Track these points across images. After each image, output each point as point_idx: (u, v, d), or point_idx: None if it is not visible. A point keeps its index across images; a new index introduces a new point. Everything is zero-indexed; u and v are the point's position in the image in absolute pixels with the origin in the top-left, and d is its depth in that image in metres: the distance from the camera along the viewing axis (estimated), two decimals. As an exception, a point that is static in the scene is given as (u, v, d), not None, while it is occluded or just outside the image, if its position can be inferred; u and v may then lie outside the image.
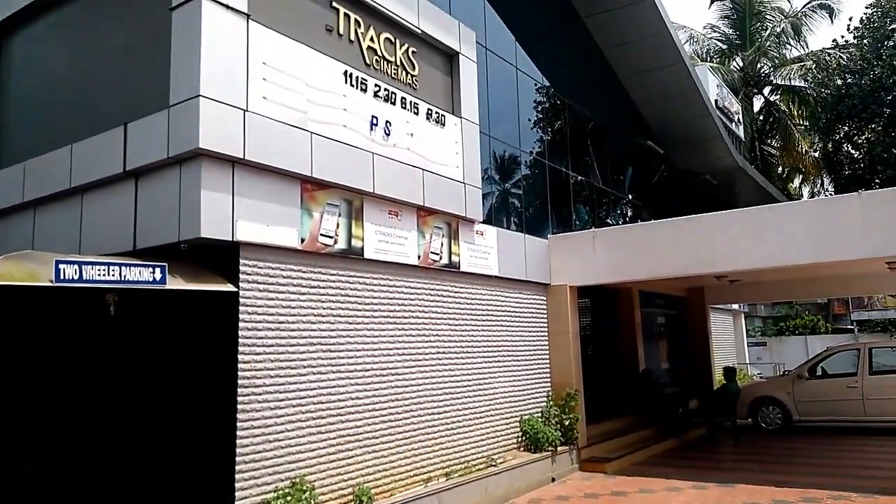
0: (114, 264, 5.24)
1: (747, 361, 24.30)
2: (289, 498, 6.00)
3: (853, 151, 23.71)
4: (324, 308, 6.90)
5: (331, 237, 7.00)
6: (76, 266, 5.04)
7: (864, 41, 22.27)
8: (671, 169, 18.17)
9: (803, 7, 30.35)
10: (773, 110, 30.67)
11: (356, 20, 7.67)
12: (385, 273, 7.79)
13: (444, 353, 8.58)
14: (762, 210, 10.00)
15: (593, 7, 13.62)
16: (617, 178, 15.87)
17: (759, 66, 30.12)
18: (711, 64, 27.72)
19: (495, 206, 10.90)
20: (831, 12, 29.67)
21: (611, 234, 11.16)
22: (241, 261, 6.09)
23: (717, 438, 13.40)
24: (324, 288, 6.94)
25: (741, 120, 22.87)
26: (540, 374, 10.65)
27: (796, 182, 34.14)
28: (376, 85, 7.73)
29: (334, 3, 7.43)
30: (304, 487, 6.21)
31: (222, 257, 6.05)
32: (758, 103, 31.18)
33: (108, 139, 6.43)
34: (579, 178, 13.61)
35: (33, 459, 6.36)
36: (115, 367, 6.56)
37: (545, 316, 11.03)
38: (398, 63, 8.23)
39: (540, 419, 10.15)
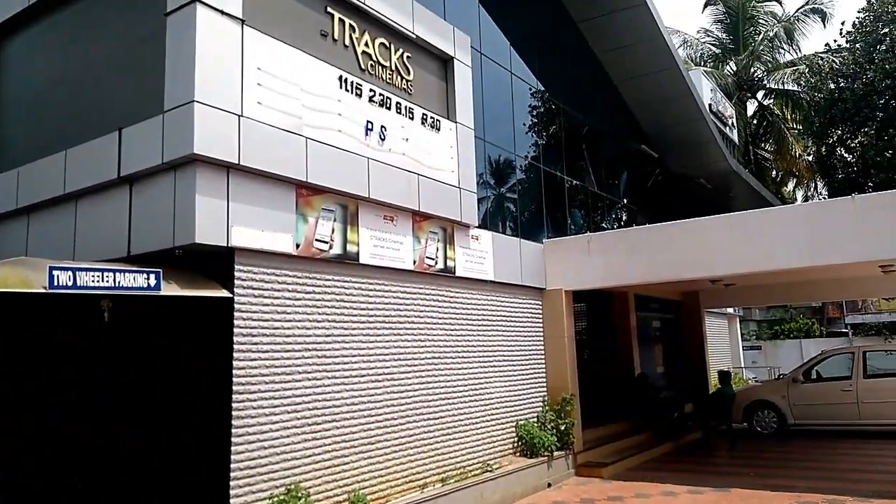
0: (108, 270, 5.24)
1: (742, 365, 24.34)
2: (284, 504, 5.97)
3: (846, 155, 23.80)
4: (319, 314, 6.89)
5: (326, 242, 6.98)
6: (70, 272, 5.03)
7: (857, 45, 22.37)
8: (666, 173, 18.24)
9: (796, 11, 30.61)
10: (767, 114, 30.84)
11: (351, 25, 7.67)
12: (380, 278, 7.78)
13: (439, 358, 8.57)
14: (756, 214, 10.03)
15: (588, 12, 13.67)
16: (612, 182, 15.92)
17: (752, 70, 30.31)
18: (705, 68, 27.87)
19: (490, 211, 10.91)
20: (824, 17, 29.91)
21: (606, 239, 11.17)
22: (236, 266, 6.07)
23: (712, 442, 13.43)
24: (319, 293, 6.92)
25: (735, 124, 22.98)
26: (536, 378, 10.64)
27: (790, 186, 34.36)
28: (371, 90, 7.73)
29: (329, 9, 7.42)
30: (300, 494, 6.19)
31: (217, 263, 6.03)
32: (751, 107, 31.42)
33: (102, 145, 6.42)
34: (574, 182, 13.64)
35: (33, 459, 6.33)
36: (118, 366, 6.54)
37: (541, 320, 11.03)
38: (393, 68, 8.23)
39: (536, 424, 10.14)
